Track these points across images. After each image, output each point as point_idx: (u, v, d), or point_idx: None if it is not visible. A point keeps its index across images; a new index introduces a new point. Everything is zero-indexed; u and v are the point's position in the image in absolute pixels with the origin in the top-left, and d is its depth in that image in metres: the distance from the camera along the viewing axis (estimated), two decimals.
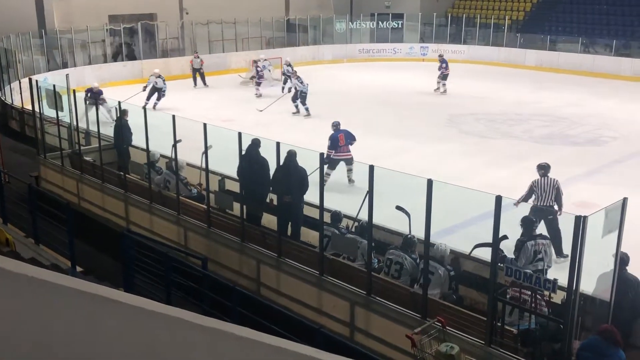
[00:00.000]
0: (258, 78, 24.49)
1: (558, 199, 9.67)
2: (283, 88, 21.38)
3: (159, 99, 21.00)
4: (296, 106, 20.38)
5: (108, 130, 12.89)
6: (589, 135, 18.27)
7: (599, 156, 16.08)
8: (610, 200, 6.11)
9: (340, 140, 13.02)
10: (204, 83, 25.85)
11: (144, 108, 19.16)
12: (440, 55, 25.41)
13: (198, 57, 26.08)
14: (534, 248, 7.13)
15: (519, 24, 34.95)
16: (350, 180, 12.98)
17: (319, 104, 22.83)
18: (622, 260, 6.41)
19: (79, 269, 8.81)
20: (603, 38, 30.89)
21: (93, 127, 13.23)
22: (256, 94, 23.92)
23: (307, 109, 20.20)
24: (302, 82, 20.06)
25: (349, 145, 13.11)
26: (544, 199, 9.64)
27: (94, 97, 16.53)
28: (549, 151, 16.46)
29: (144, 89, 20.98)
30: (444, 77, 24.40)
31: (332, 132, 13.19)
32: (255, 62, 25.77)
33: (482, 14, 35.47)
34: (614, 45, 29.43)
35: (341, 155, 12.99)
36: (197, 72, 25.89)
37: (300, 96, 20.17)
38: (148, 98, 20.79)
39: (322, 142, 14.48)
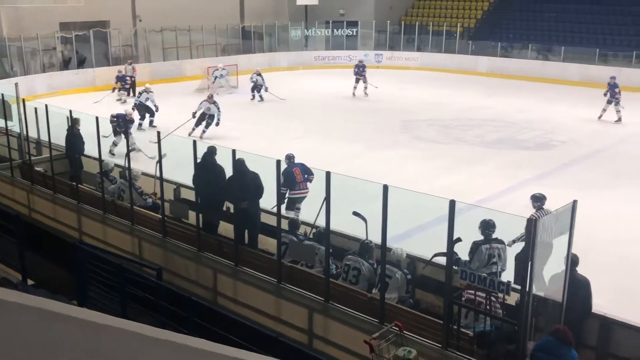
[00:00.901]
0: (123, 83, 23.95)
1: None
2: (200, 113, 18.47)
3: (152, 115, 19.87)
4: (194, 129, 18.40)
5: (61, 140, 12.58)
6: (539, 139, 18.72)
7: (549, 160, 16.49)
8: (560, 203, 6.27)
9: (297, 175, 10.98)
10: (134, 93, 24.28)
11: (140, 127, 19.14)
12: (360, 61, 26.23)
13: (131, 65, 25.11)
14: (488, 252, 7.25)
15: (471, 31, 35.66)
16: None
17: (275, 111, 22.89)
18: (572, 261, 6.58)
19: (30, 282, 8.59)
20: (552, 44, 31.75)
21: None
22: (120, 100, 23.61)
23: (203, 132, 18.26)
24: (219, 110, 18.34)
25: (307, 182, 11.10)
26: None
27: (126, 125, 15.30)
28: (500, 156, 16.83)
29: (134, 108, 19.25)
30: (362, 80, 25.42)
31: (286, 165, 10.93)
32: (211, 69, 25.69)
33: (434, 21, 36.07)
34: (563, 51, 30.28)
35: (298, 193, 11.04)
36: (131, 81, 24.85)
37: (207, 121, 18.32)
38: (142, 118, 19.61)
39: (279, 148, 14.47)
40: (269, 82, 24.61)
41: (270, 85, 24.48)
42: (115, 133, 16.15)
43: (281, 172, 10.33)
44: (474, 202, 11.42)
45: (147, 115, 19.88)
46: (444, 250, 6.56)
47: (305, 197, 11.12)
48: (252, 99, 24.37)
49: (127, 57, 27.61)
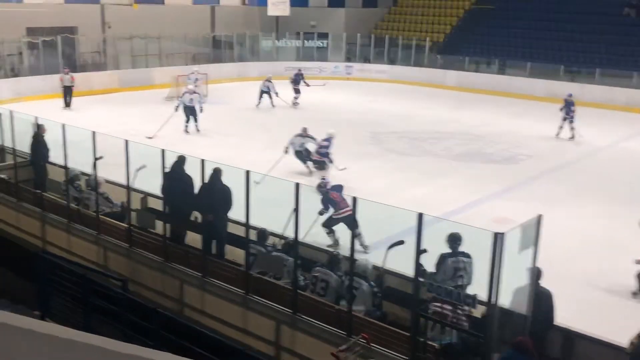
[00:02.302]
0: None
1: None
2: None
3: (196, 119, 19.75)
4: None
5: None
6: (505, 153, 19.00)
7: (515, 173, 16.74)
8: (525, 216, 6.35)
9: (336, 198, 10.82)
10: (69, 104, 23.60)
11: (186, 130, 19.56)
12: (299, 69, 26.46)
13: (68, 74, 23.91)
14: (454, 265, 7.31)
15: (439, 45, 36.10)
16: (365, 246, 10.20)
17: (245, 120, 22.83)
18: (536, 274, 6.67)
19: None
20: (518, 60, 32.33)
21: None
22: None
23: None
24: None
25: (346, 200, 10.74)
26: None
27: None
28: (468, 169, 17.03)
29: (176, 109, 19.50)
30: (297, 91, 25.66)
31: (321, 195, 10.89)
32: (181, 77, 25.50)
33: (404, 35, 36.45)
34: (529, 66, 30.84)
35: (342, 212, 10.57)
36: (69, 91, 23.66)
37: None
38: (187, 121, 19.61)
39: (247, 158, 14.44)
40: (240, 92, 24.63)
41: (244, 95, 24.55)
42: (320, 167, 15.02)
43: (320, 199, 10.68)
44: (442, 215, 11.49)
45: (192, 118, 19.68)
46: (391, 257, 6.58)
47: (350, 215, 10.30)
48: (257, 105, 24.68)
49: (64, 66, 26.24)
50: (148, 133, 18.51)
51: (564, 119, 20.81)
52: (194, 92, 19.99)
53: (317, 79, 33.32)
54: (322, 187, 11.06)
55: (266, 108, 24.80)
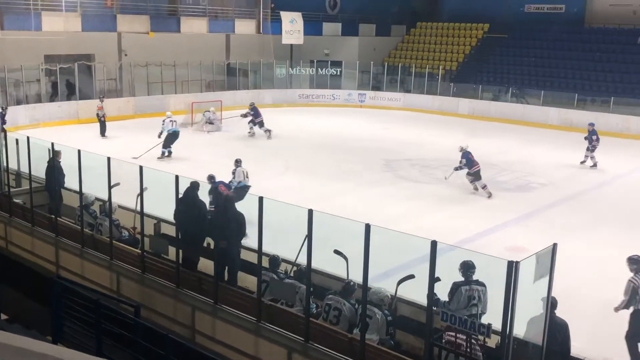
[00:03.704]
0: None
1: None
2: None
3: (168, 145, 20.34)
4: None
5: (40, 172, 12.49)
6: (518, 181, 18.93)
7: (529, 202, 16.65)
8: (539, 245, 6.31)
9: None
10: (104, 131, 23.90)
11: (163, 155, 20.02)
12: (252, 103, 25.55)
13: (102, 101, 24.33)
14: (468, 293, 7.23)
15: (453, 73, 36.26)
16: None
17: (259, 147, 22.95)
18: (551, 304, 6.59)
19: (3, 316, 8.41)
20: (532, 88, 32.37)
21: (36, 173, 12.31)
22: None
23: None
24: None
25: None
26: None
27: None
28: (481, 197, 16.95)
29: (159, 135, 20.17)
30: (258, 123, 24.76)
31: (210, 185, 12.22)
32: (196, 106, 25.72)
33: (417, 63, 36.67)
34: (542, 95, 30.85)
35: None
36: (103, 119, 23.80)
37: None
38: (166, 146, 20.19)
39: (261, 184, 14.50)
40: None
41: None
42: None
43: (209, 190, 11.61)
44: (455, 243, 11.46)
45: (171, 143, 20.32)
46: (401, 283, 6.54)
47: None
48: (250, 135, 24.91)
49: (101, 92, 27.04)
50: (135, 154, 18.96)
51: (588, 148, 20.85)
52: (172, 120, 20.69)
53: (332, 106, 33.56)
54: (211, 179, 12.74)
55: (280, 135, 24.90)
